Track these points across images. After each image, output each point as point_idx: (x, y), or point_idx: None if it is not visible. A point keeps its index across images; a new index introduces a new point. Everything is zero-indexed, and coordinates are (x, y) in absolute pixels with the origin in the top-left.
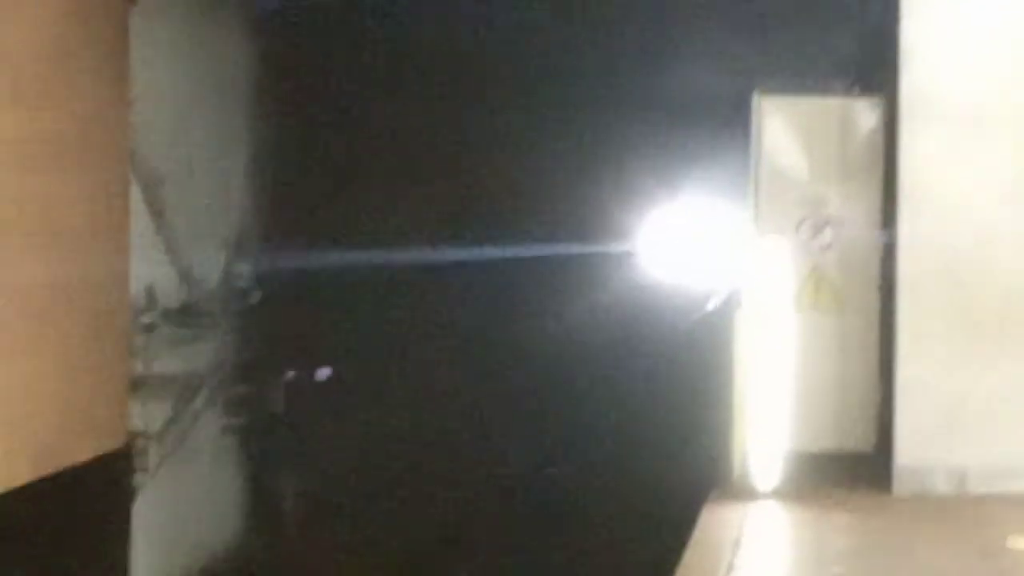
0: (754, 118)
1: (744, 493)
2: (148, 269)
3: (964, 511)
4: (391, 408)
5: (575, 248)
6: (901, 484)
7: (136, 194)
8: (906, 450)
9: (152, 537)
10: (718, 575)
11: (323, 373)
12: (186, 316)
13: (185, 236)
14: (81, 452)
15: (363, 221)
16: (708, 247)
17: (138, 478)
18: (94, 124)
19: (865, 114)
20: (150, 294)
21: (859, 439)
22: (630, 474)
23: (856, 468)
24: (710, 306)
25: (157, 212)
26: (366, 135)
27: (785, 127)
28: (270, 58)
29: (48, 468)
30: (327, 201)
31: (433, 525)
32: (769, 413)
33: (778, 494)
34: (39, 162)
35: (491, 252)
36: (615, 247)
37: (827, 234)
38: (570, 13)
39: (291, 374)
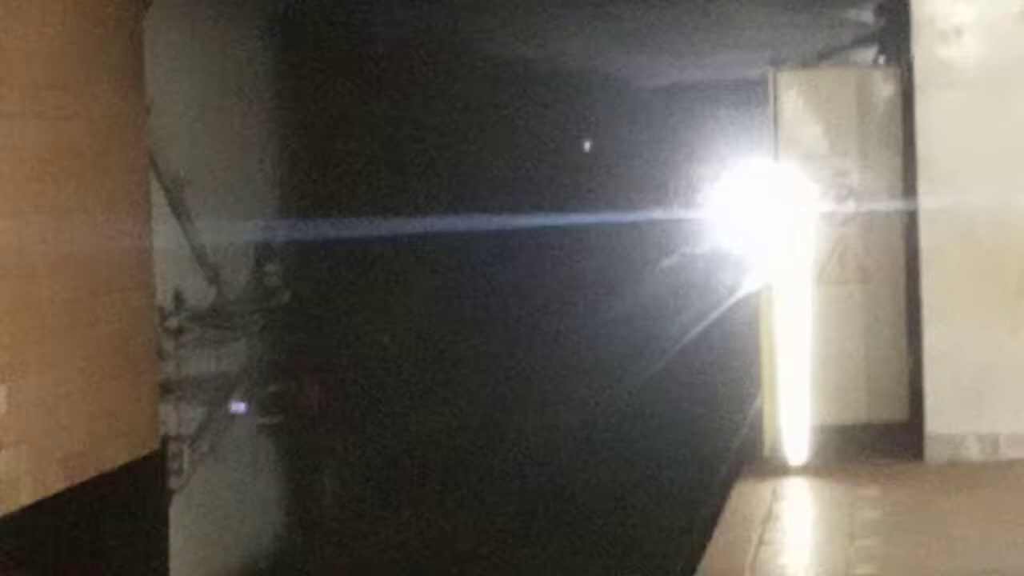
0: (771, 94)
1: (775, 468)
2: (176, 273)
3: (995, 478)
4: (427, 405)
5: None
6: (933, 453)
7: (160, 198)
8: (936, 419)
9: (190, 539)
10: (748, 550)
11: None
12: (215, 318)
13: (212, 239)
14: (113, 458)
15: (393, 218)
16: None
17: (173, 481)
18: (111, 131)
19: (882, 84)
20: (178, 298)
21: (892, 409)
22: (669, 450)
23: (890, 438)
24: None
25: (182, 216)
26: (393, 132)
27: (802, 101)
28: (290, 57)
29: (81, 476)
30: (356, 199)
31: (469, 521)
32: (799, 387)
33: (810, 468)
34: (57, 171)
35: (522, 245)
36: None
37: (850, 205)
38: None
39: (325, 373)
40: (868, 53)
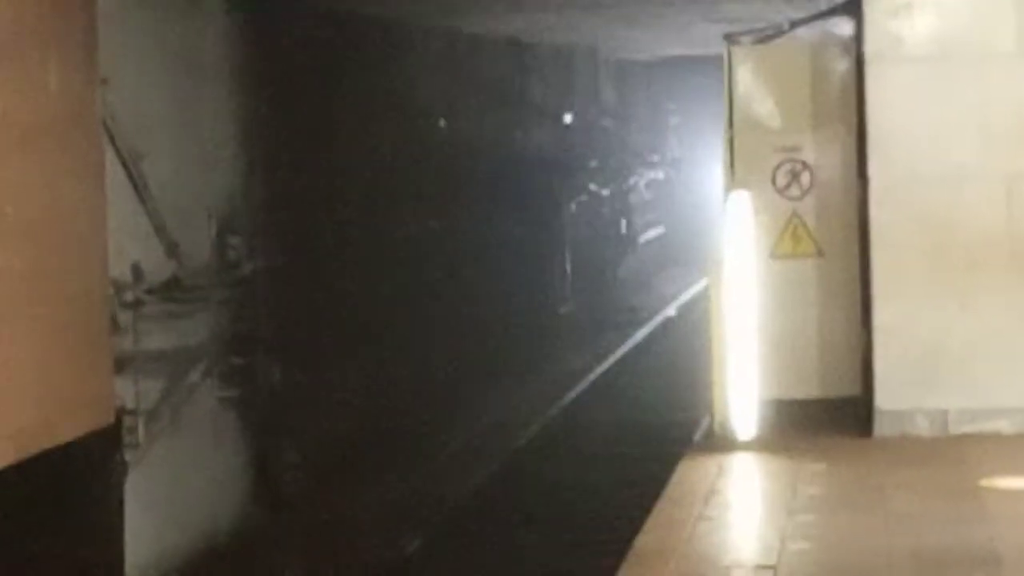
0: (724, 67)
1: (723, 443)
2: (133, 246)
3: (943, 453)
4: (390, 377)
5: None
6: (882, 428)
7: (118, 173)
8: (886, 394)
9: (148, 512)
10: (686, 526)
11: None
12: (174, 291)
13: (172, 212)
14: (66, 432)
15: (358, 188)
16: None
17: (130, 455)
18: (62, 104)
19: (837, 59)
20: (136, 271)
21: (845, 384)
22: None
23: (843, 413)
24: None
25: (140, 189)
26: (353, 104)
27: (756, 75)
28: (250, 29)
29: (29, 451)
30: (318, 171)
31: (433, 491)
32: (750, 363)
33: (758, 443)
34: (5, 145)
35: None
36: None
37: (804, 180)
38: None
39: (287, 345)
40: (829, 27)
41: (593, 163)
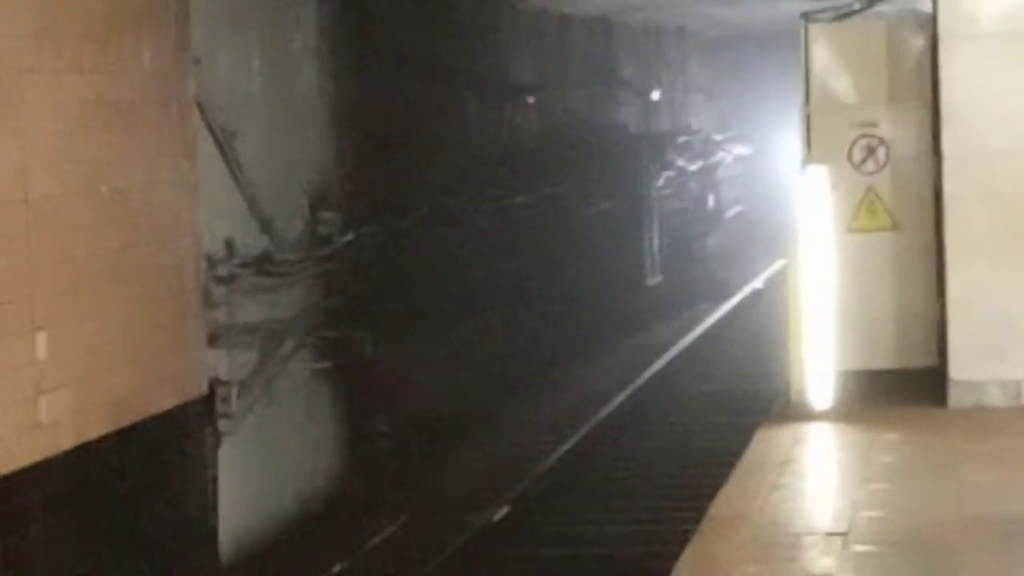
0: (801, 45)
1: (800, 413)
2: (226, 222)
3: (1015, 424)
4: (482, 349)
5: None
6: (956, 399)
7: (212, 150)
8: (959, 365)
9: (242, 480)
10: (760, 494)
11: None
12: (266, 265)
13: (265, 188)
14: (158, 403)
15: (450, 164)
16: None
17: (224, 425)
18: (155, 83)
19: (911, 35)
20: (229, 246)
21: (921, 356)
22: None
23: (918, 384)
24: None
25: (233, 166)
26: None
27: (832, 52)
28: (341, 9)
29: (124, 421)
30: (409, 148)
31: (525, 457)
32: (826, 335)
33: (833, 413)
34: (99, 124)
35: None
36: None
37: (880, 155)
38: None
39: (379, 317)
40: (906, 4)
41: (681, 139)
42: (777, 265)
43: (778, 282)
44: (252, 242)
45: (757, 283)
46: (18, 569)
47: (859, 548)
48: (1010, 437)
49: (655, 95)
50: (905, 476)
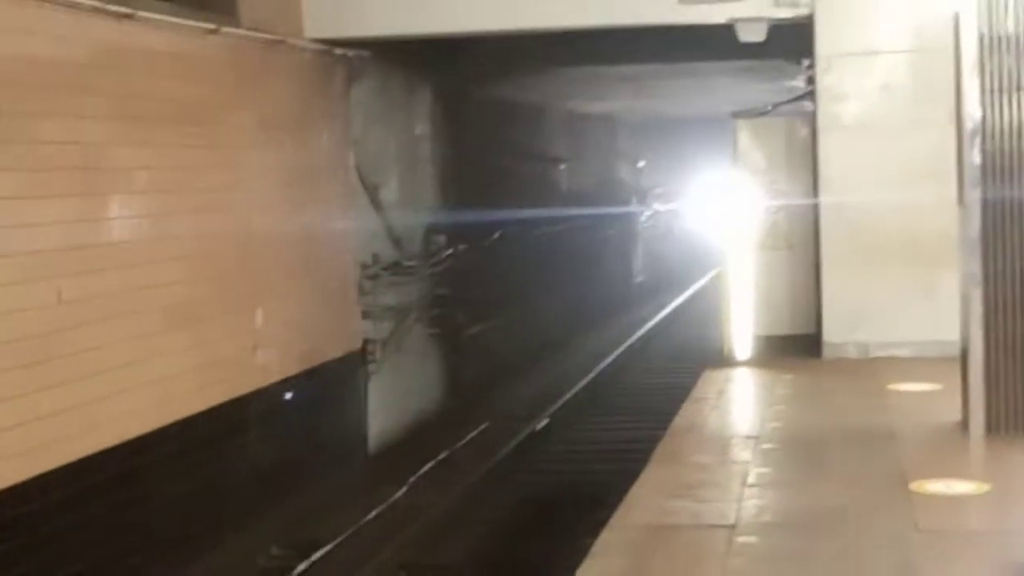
0: (733, 132)
1: (730, 362)
2: (373, 243)
3: (864, 369)
4: (530, 320)
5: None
6: (827, 354)
7: (363, 197)
8: (830, 332)
9: (382, 404)
10: (704, 413)
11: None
12: (398, 268)
13: (398, 219)
14: (332, 353)
15: (512, 206)
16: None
17: (372, 368)
18: (328, 155)
19: (800, 128)
20: (375, 257)
21: (805, 326)
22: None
23: (804, 344)
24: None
25: (377, 207)
26: (509, 152)
27: (751, 137)
28: (447, 108)
29: (310, 364)
30: (487, 196)
31: (556, 389)
32: (746, 312)
33: (750, 362)
34: (294, 181)
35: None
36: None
37: (780, 200)
38: None
39: (467, 301)
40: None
41: (657, 190)
42: (715, 270)
43: (716, 280)
44: (389, 254)
45: (703, 281)
46: (247, 451)
47: (766, 446)
48: (860, 379)
49: (641, 163)
50: (795, 401)
